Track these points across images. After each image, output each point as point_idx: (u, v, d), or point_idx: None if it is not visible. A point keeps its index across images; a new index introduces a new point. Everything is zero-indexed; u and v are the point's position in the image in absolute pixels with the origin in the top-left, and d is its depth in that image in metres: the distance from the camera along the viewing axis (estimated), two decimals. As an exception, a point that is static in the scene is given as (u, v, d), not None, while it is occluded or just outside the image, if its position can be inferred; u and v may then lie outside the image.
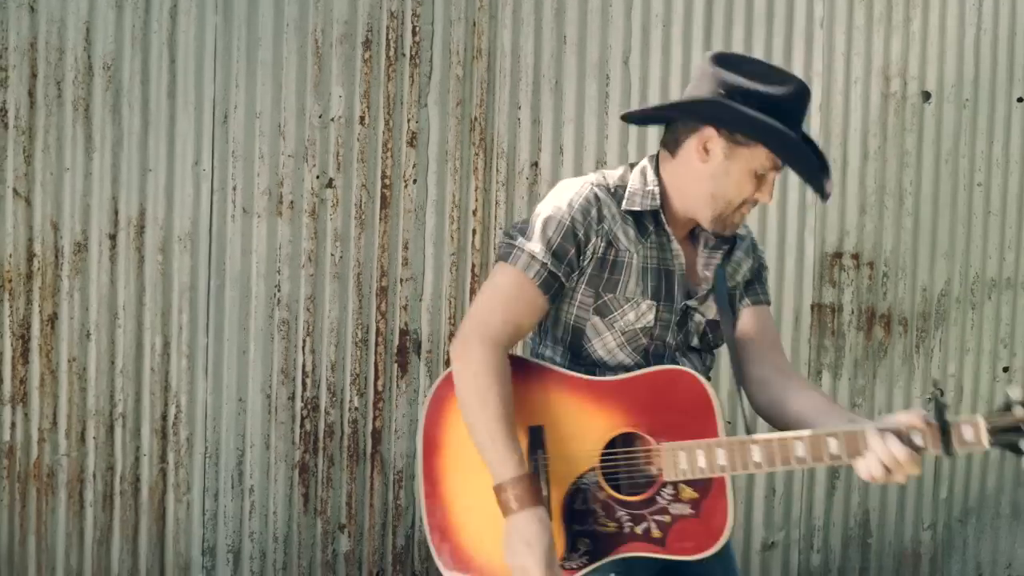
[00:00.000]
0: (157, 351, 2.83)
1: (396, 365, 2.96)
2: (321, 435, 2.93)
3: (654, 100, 3.05)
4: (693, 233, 1.89)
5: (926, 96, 3.27)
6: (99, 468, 2.82)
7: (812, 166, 1.79)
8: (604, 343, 1.82)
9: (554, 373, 1.81)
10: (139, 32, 2.78)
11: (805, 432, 1.67)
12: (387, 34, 2.91)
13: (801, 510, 3.28)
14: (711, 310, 1.87)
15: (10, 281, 2.74)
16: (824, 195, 1.80)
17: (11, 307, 2.74)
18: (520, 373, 1.80)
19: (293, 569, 2.94)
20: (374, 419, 2.96)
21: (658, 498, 1.73)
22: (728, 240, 1.88)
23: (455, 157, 2.97)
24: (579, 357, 1.84)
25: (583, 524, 1.76)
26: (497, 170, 3.00)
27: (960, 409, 3.39)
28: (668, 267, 1.82)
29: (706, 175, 1.78)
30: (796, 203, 3.19)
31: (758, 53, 3.14)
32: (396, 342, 2.96)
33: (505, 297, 1.78)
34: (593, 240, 1.78)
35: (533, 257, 1.77)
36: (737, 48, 3.11)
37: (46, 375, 2.78)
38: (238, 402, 2.88)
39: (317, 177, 2.89)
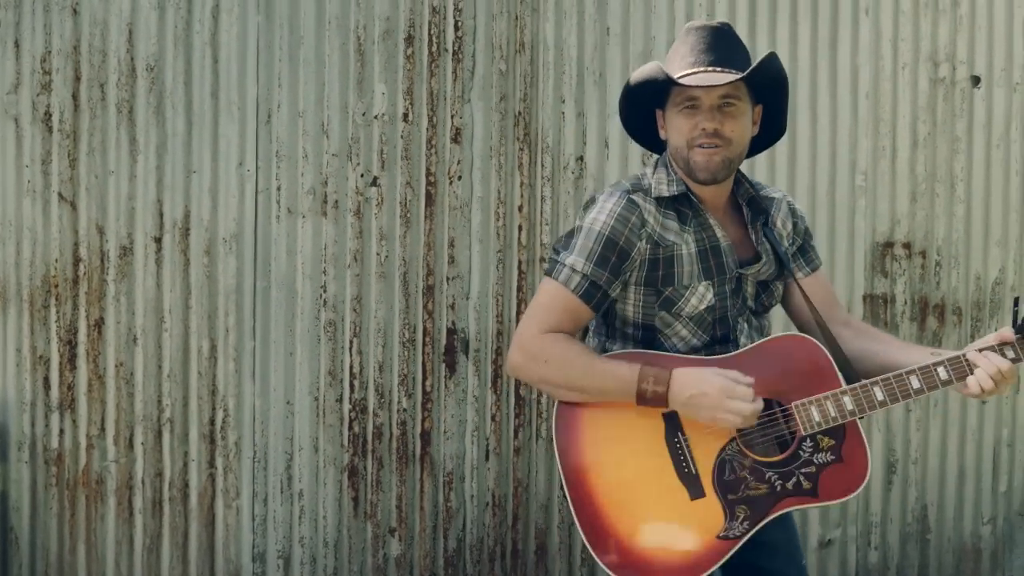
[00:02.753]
0: (204, 355, 2.80)
1: (444, 365, 2.92)
2: (370, 437, 2.89)
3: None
4: (737, 208, 2.01)
5: (975, 81, 3.21)
6: (148, 474, 2.79)
7: (699, 62, 1.87)
8: (675, 332, 1.93)
9: (674, 358, 1.89)
10: (181, 32, 2.76)
11: (915, 366, 1.83)
12: (429, 29, 2.88)
13: (858, 506, 3.21)
14: (763, 274, 1.98)
15: (56, 287, 2.72)
16: (765, 64, 1.87)
17: (58, 312, 2.72)
18: (648, 362, 1.87)
19: (344, 574, 2.89)
20: (423, 420, 2.91)
21: (800, 452, 1.86)
22: (761, 209, 2.00)
23: (499, 153, 2.93)
24: (653, 348, 1.93)
25: (737, 492, 1.86)
26: (542, 165, 2.96)
27: (1017, 400, 3.31)
28: (714, 243, 1.92)
29: (668, 143, 1.95)
30: (846, 193, 3.13)
31: (803, 42, 3.09)
32: (443, 341, 2.92)
33: (548, 310, 1.89)
34: (637, 245, 1.87)
35: (574, 270, 1.87)
36: (782, 36, 3.07)
37: (93, 381, 2.75)
38: (286, 405, 2.85)
39: (361, 176, 2.86)
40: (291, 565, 2.87)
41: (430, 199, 2.90)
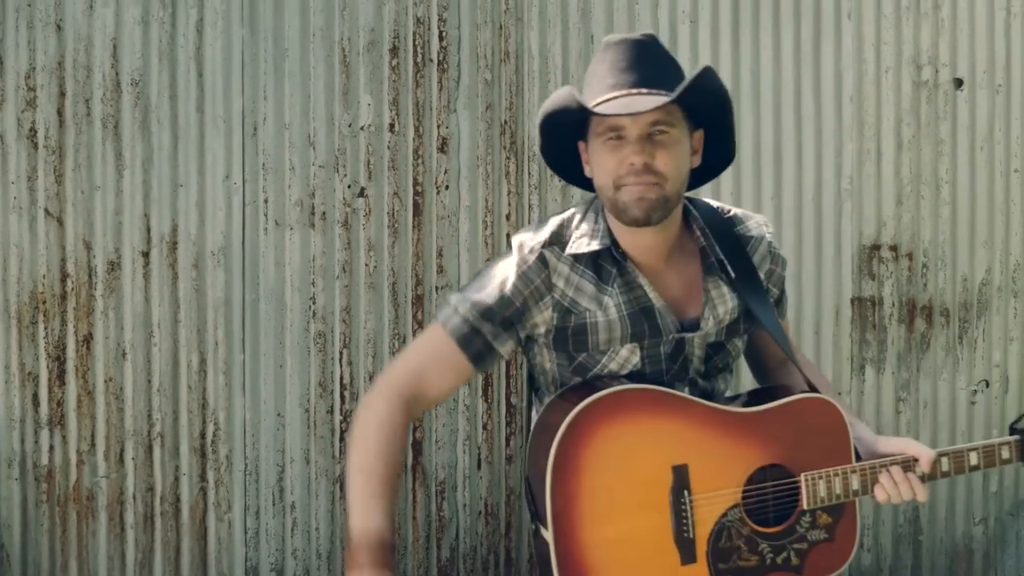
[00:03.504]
0: (194, 368, 2.80)
1: (434, 374, 2.92)
2: (361, 448, 2.88)
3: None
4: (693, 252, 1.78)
5: (958, 83, 3.23)
6: (139, 489, 2.78)
7: (620, 87, 1.63)
8: None
9: (695, 406, 1.73)
10: (166, 47, 2.76)
11: (947, 449, 1.80)
12: (414, 40, 2.89)
13: (850, 508, 3.22)
14: (713, 334, 1.77)
15: (44, 303, 2.72)
16: (698, 82, 1.62)
17: (46, 328, 2.72)
18: (662, 407, 1.71)
19: (338, 586, 2.89)
20: (414, 430, 2.91)
21: (797, 527, 1.77)
22: (738, 254, 1.77)
23: (486, 162, 2.94)
24: None
25: (727, 561, 1.74)
26: (529, 173, 2.97)
27: (1007, 400, 3.33)
28: (644, 304, 1.72)
29: (595, 181, 1.70)
30: (832, 197, 3.15)
31: (786, 47, 3.11)
32: (434, 351, 2.91)
33: (420, 355, 1.70)
34: (536, 311, 1.68)
35: (455, 311, 1.68)
36: (766, 42, 3.08)
37: (83, 396, 2.74)
38: (276, 417, 2.84)
39: (349, 187, 2.86)
40: (284, 578, 2.87)
41: (418, 209, 2.90)
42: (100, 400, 2.75)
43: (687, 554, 1.71)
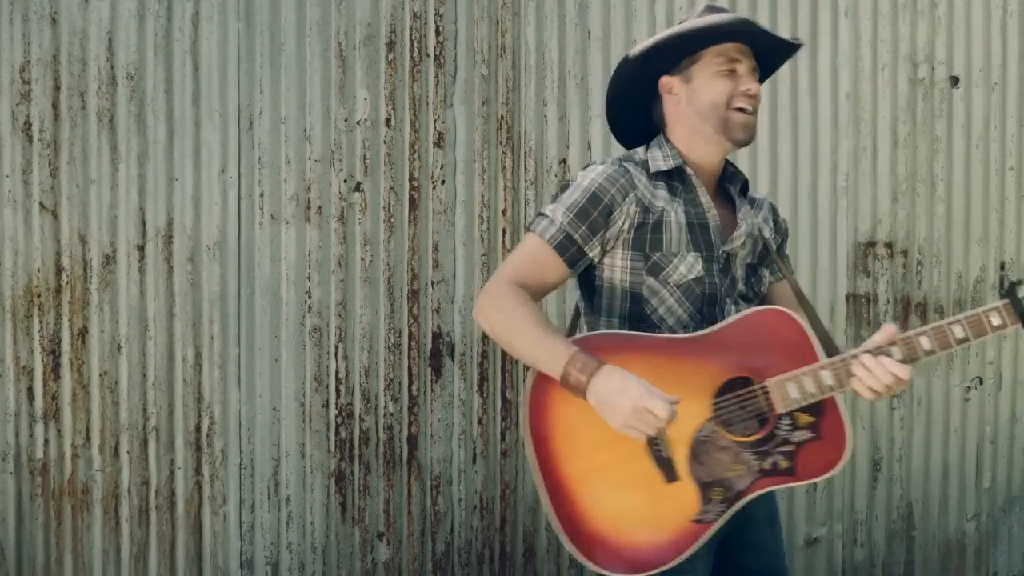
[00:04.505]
0: (189, 362, 2.80)
1: (430, 369, 2.92)
2: (356, 442, 2.89)
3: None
4: (723, 191, 2.00)
5: (954, 81, 3.23)
6: (134, 483, 2.78)
7: (748, 28, 1.89)
8: (663, 301, 1.87)
9: (646, 339, 1.83)
10: (161, 41, 2.75)
11: (911, 332, 1.76)
12: (410, 35, 2.89)
13: (843, 504, 3.23)
14: (747, 256, 1.95)
15: (39, 296, 2.71)
16: (793, 43, 1.97)
17: (41, 322, 2.71)
18: (614, 345, 1.82)
19: (332, 579, 2.89)
20: (410, 424, 2.92)
21: (777, 431, 1.80)
22: (746, 191, 2.01)
23: (483, 157, 2.93)
24: (640, 322, 1.88)
25: (713, 474, 1.81)
26: (525, 168, 2.97)
27: (1000, 397, 3.34)
28: (702, 220, 1.90)
29: (688, 107, 1.91)
30: (828, 194, 3.15)
31: (783, 43, 3.11)
32: (429, 345, 2.92)
33: (520, 260, 1.86)
34: (622, 205, 1.85)
35: (552, 222, 1.85)
36: (762, 38, 3.08)
37: (78, 390, 2.74)
38: (272, 411, 2.85)
39: (344, 181, 2.86)
40: (279, 571, 2.87)
41: (414, 204, 2.90)
42: (95, 394, 2.75)
43: (669, 473, 1.80)
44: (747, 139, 1.91)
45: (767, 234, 2.01)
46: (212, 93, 2.78)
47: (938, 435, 3.29)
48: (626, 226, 1.85)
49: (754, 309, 1.82)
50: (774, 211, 2.08)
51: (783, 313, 1.80)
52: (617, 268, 1.89)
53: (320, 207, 2.85)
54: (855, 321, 3.20)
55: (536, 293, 1.87)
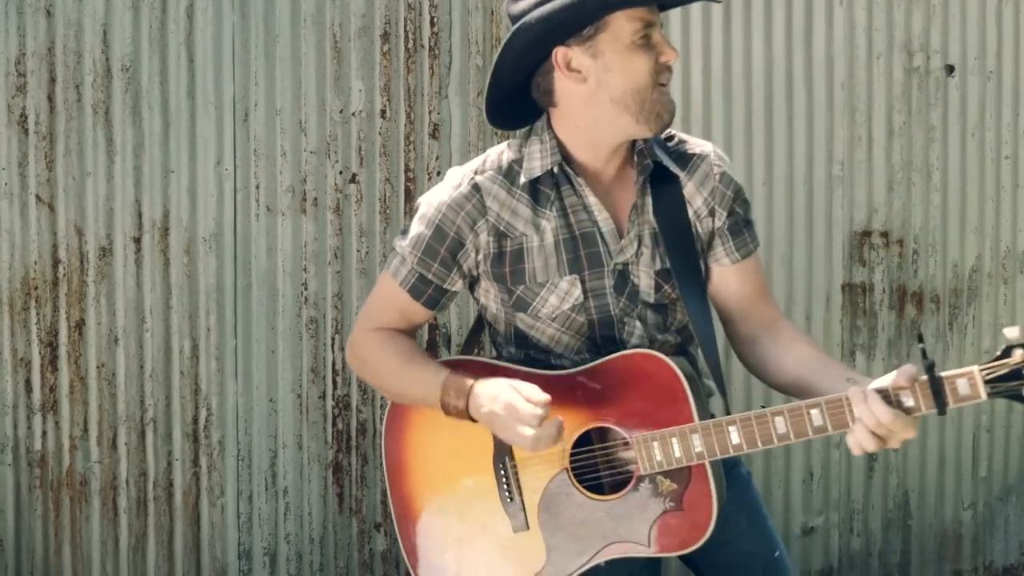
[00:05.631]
0: (186, 354, 2.80)
1: (426, 360, 2.93)
2: (354, 433, 2.90)
3: (674, 83, 3.02)
4: (627, 181, 1.68)
5: (950, 69, 3.23)
6: (132, 474, 2.79)
7: None
8: (542, 332, 1.68)
9: (511, 372, 1.66)
10: (156, 33, 2.76)
11: (785, 406, 1.50)
12: (405, 26, 2.89)
13: (839, 493, 3.24)
14: (659, 260, 1.66)
15: (36, 288, 2.72)
16: None
17: (38, 314, 2.72)
18: (466, 374, 1.65)
19: (330, 570, 2.91)
20: (406, 415, 2.92)
21: (636, 494, 1.60)
22: (667, 176, 1.65)
23: (478, 148, 2.94)
24: (528, 347, 1.72)
25: (561, 530, 1.64)
26: (521, 159, 2.97)
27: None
28: (585, 229, 1.64)
29: (596, 89, 1.57)
30: (823, 183, 3.15)
31: (778, 32, 3.11)
32: (425, 336, 2.93)
33: (378, 305, 1.74)
34: (471, 237, 1.64)
35: (404, 261, 1.69)
36: (757, 28, 3.08)
37: (75, 382, 2.75)
38: (269, 403, 2.86)
39: (340, 173, 2.87)
40: (277, 562, 2.88)
41: (409, 195, 2.91)
42: (93, 386, 2.76)
43: (518, 521, 1.65)
44: (670, 119, 1.59)
45: (697, 207, 1.68)
46: (207, 85, 2.79)
47: (934, 424, 3.29)
48: (480, 258, 1.65)
49: (628, 351, 1.62)
50: (720, 176, 1.69)
51: (655, 358, 1.58)
52: (490, 295, 1.70)
53: (316, 199, 2.85)
54: (850, 311, 3.20)
55: (407, 332, 1.75)
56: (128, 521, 2.80)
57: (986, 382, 1.40)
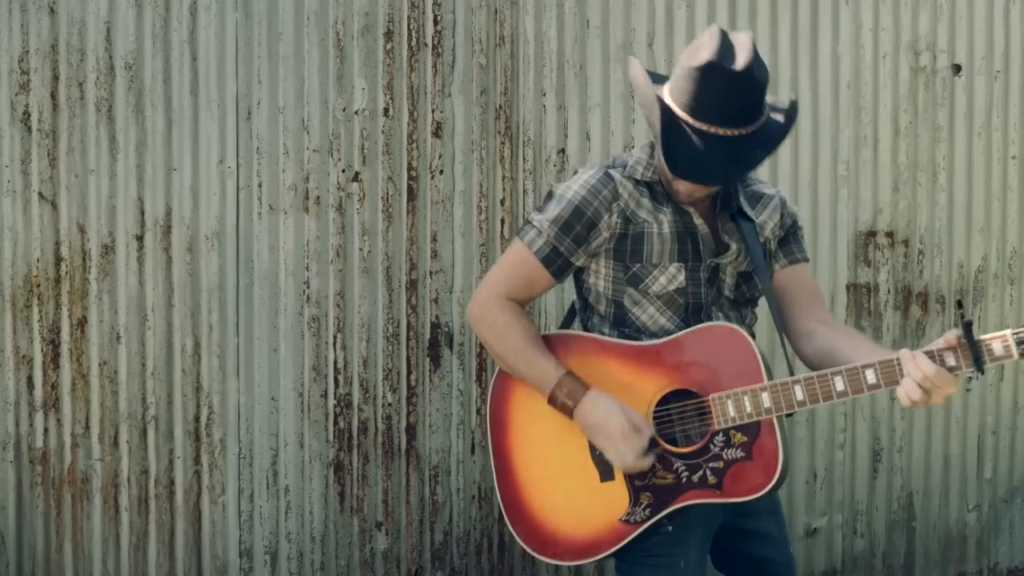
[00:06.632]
0: (188, 352, 2.80)
1: (428, 359, 2.93)
2: (355, 432, 2.90)
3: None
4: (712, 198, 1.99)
5: (956, 69, 3.21)
6: (133, 472, 2.79)
7: (706, 169, 1.84)
8: (644, 310, 1.93)
9: (601, 342, 1.94)
10: (160, 31, 2.75)
11: (843, 367, 1.78)
12: (408, 24, 2.88)
13: (843, 494, 3.22)
14: (742, 264, 1.97)
15: (38, 286, 2.72)
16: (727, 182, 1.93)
17: (40, 312, 2.72)
18: (567, 346, 1.95)
19: (331, 569, 2.90)
20: (408, 414, 2.92)
21: (711, 446, 1.85)
22: (728, 203, 1.97)
23: (481, 147, 2.93)
24: (624, 326, 1.95)
25: (643, 479, 1.87)
26: (524, 158, 2.96)
27: (1002, 388, 3.32)
28: (691, 229, 1.92)
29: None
30: (829, 183, 3.14)
31: (784, 32, 3.09)
32: (428, 336, 2.92)
33: (509, 270, 1.96)
34: (605, 217, 1.89)
35: (540, 233, 1.92)
36: (763, 27, 3.07)
37: (77, 380, 2.75)
38: (270, 401, 2.85)
39: (343, 171, 2.86)
40: (278, 560, 2.88)
41: (412, 194, 2.90)
42: (94, 383, 2.76)
43: (606, 472, 1.89)
44: (687, 203, 1.91)
45: (768, 232, 2.01)
46: (210, 83, 2.78)
47: (939, 425, 3.28)
48: (608, 235, 1.90)
49: (709, 324, 1.89)
50: (783, 205, 2.06)
51: (735, 331, 1.86)
52: (601, 275, 1.95)
53: (318, 197, 2.85)
54: (855, 311, 3.19)
55: (525, 300, 1.99)
56: (129, 519, 2.80)
57: (1018, 343, 1.67)
